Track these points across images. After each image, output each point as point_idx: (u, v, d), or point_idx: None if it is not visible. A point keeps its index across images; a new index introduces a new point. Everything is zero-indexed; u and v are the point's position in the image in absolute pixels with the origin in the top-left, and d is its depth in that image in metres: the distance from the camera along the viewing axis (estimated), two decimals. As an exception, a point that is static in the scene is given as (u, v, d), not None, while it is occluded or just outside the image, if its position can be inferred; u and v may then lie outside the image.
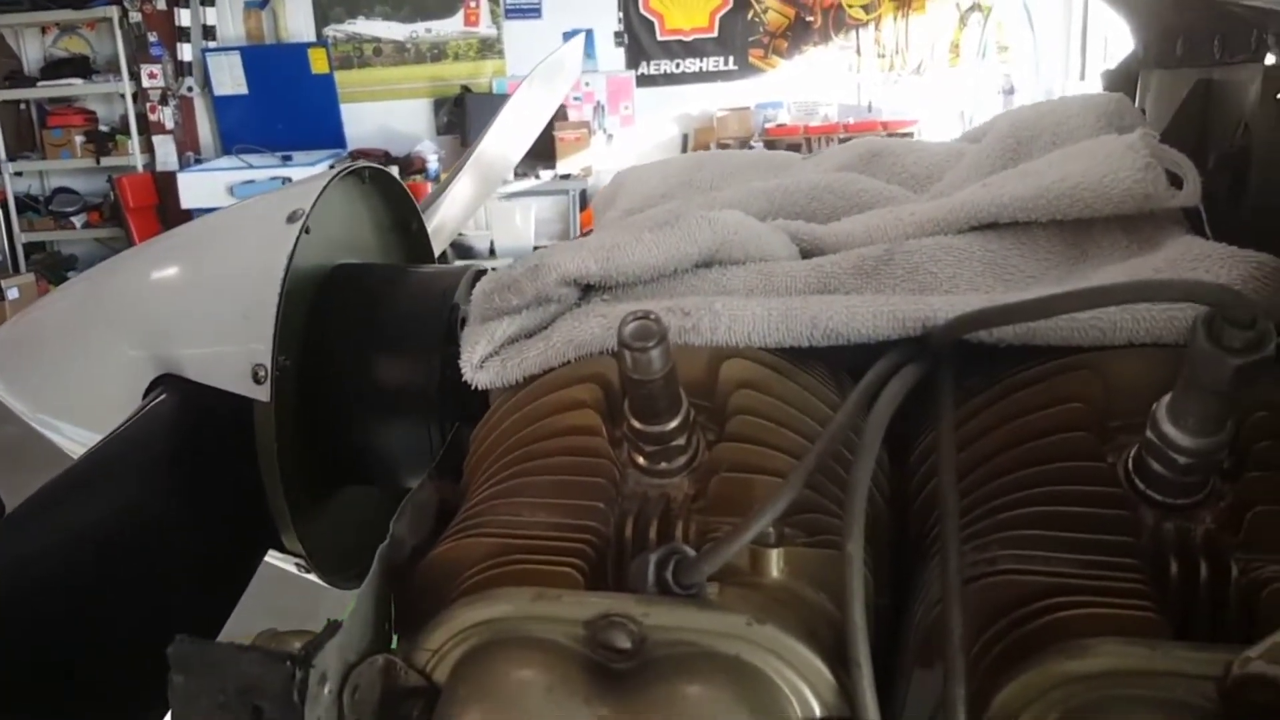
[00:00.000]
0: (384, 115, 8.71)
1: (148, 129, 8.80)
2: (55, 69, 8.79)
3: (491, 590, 0.65)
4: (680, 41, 8.54)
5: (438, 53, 8.66)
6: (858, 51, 8.45)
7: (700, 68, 8.57)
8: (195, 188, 8.00)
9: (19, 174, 8.91)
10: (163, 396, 0.97)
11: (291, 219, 0.99)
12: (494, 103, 7.72)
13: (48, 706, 0.79)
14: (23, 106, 8.96)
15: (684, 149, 8.58)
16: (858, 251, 0.93)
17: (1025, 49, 8.19)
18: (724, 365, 0.79)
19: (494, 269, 0.98)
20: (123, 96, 8.71)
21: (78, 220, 8.93)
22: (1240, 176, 0.98)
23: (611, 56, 8.55)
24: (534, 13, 8.53)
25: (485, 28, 8.61)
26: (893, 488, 0.79)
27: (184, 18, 8.53)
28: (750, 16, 8.46)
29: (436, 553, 0.73)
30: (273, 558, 1.06)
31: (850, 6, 8.38)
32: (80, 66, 8.79)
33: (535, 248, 7.76)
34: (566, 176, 8.22)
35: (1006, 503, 0.69)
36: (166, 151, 8.79)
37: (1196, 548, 0.63)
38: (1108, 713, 0.54)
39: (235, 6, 8.69)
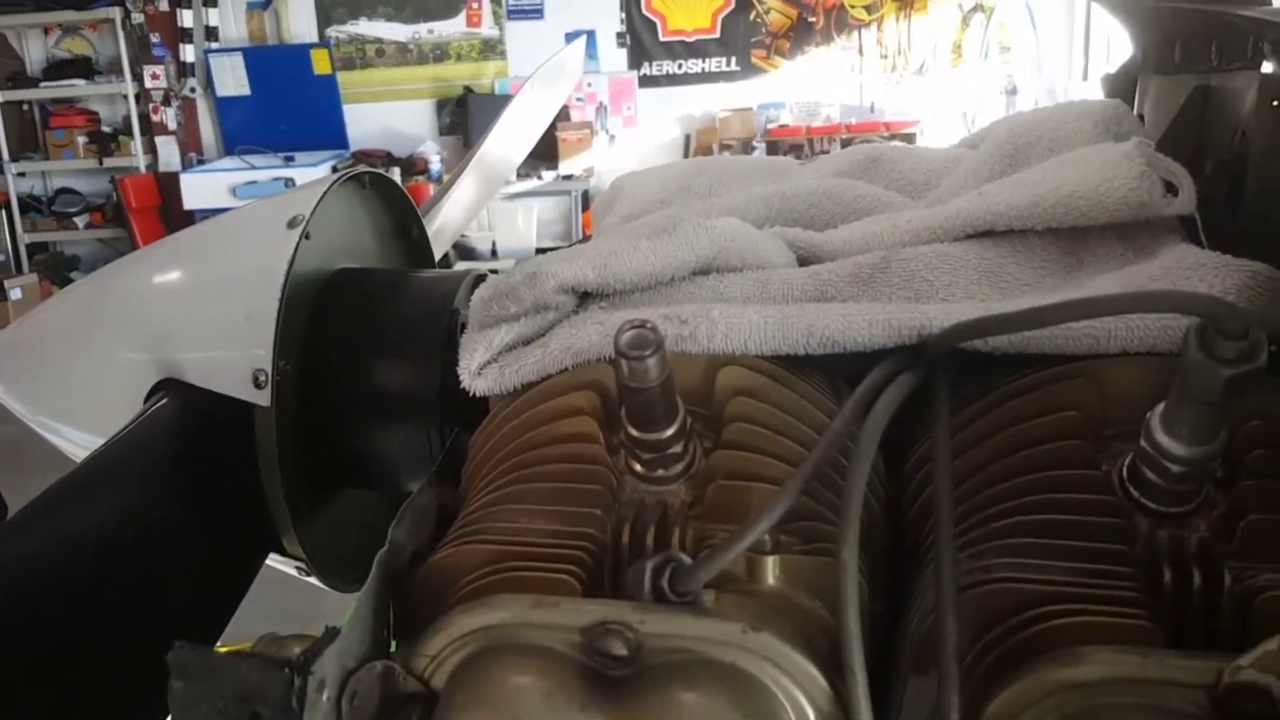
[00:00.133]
0: (386, 116, 8.71)
1: (150, 130, 8.81)
2: (58, 70, 8.80)
3: (489, 597, 0.65)
4: (682, 42, 8.54)
5: (440, 53, 8.67)
6: (860, 52, 8.45)
7: (702, 68, 8.57)
8: (198, 188, 8.02)
9: (22, 174, 8.92)
10: (164, 401, 0.98)
11: (292, 224, 0.99)
12: (496, 103, 7.71)
13: (51, 709, 0.80)
14: (25, 107, 8.97)
15: (686, 149, 8.59)
16: (854, 259, 0.93)
17: (1028, 49, 8.18)
18: (721, 373, 0.79)
19: (492, 271, 0.99)
20: (125, 97, 8.71)
21: (80, 221, 8.94)
22: (1237, 183, 0.98)
23: (614, 57, 8.55)
24: (536, 13, 8.53)
25: (487, 28, 8.61)
26: (888, 495, 0.79)
27: (186, 18, 8.53)
28: (752, 17, 8.46)
29: (435, 559, 0.73)
30: (274, 561, 1.06)
31: (853, 7, 8.38)
32: (83, 67, 8.80)
33: (537, 248, 7.78)
34: (569, 177, 8.22)
35: (1001, 510, 0.69)
36: (169, 152, 8.80)
37: (1190, 556, 0.63)
38: None
39: (238, 7, 8.70)
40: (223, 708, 0.59)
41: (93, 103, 8.97)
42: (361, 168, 1.14)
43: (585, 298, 0.91)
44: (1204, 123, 1.10)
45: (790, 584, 0.66)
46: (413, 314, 1.04)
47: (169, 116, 8.79)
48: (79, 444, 1.15)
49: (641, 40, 8.54)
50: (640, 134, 8.58)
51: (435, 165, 8.28)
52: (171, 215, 8.46)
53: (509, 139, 1.81)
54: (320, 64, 8.56)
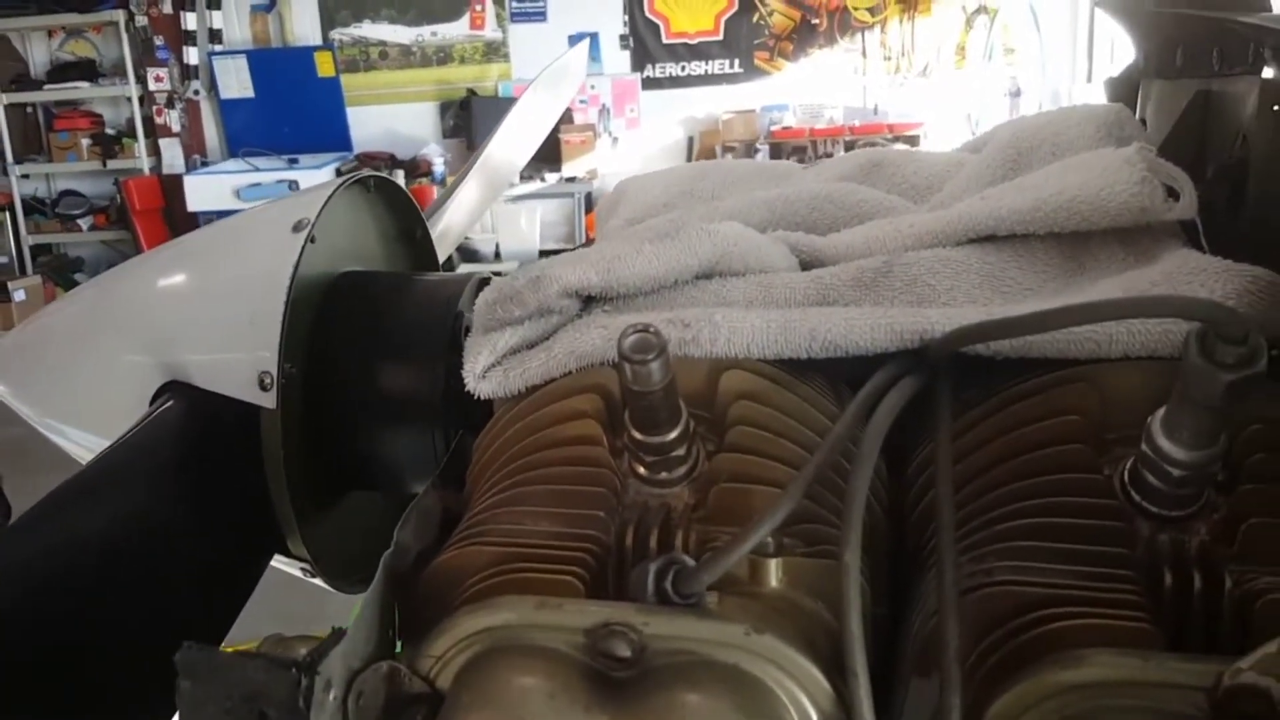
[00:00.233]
0: (390, 118, 8.72)
1: (154, 132, 8.83)
2: (62, 72, 8.82)
3: (494, 598, 0.65)
4: (685, 44, 8.54)
5: (443, 56, 8.67)
6: (863, 54, 8.44)
7: (705, 70, 8.57)
8: (201, 191, 8.03)
9: (26, 176, 8.93)
10: (170, 403, 0.98)
11: (297, 228, 1.00)
12: (499, 106, 7.74)
13: (54, 711, 0.80)
14: (29, 109, 8.99)
15: (689, 151, 8.59)
16: (856, 263, 0.94)
17: (1031, 51, 8.17)
18: (723, 376, 0.79)
19: (495, 273, 0.99)
20: (129, 100, 8.73)
21: (84, 223, 8.95)
22: (1238, 188, 0.99)
23: (617, 59, 8.56)
24: (539, 16, 8.54)
25: (491, 31, 8.62)
26: (890, 499, 0.80)
27: (190, 21, 8.54)
28: (755, 19, 8.46)
29: (440, 560, 0.74)
30: (278, 562, 1.07)
31: (856, 9, 8.38)
32: (86, 70, 8.81)
33: (540, 250, 7.78)
34: (572, 179, 8.23)
35: (1003, 514, 0.69)
36: (173, 154, 8.81)
37: (1191, 559, 0.64)
38: None
39: (241, 10, 8.71)
40: (230, 708, 0.60)
41: (96, 105, 8.98)
42: (366, 171, 1.15)
43: (589, 301, 0.91)
44: (1205, 127, 1.10)
45: (793, 586, 0.66)
46: (417, 317, 1.05)
47: (173, 119, 8.80)
48: (84, 445, 1.16)
49: (645, 42, 8.54)
50: (643, 136, 8.59)
51: (438, 167, 8.29)
52: (175, 217, 8.47)
53: (513, 142, 1.82)
54: (324, 66, 8.57)
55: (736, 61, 8.54)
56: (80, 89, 8.75)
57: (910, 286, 0.91)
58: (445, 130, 8.71)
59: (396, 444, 1.03)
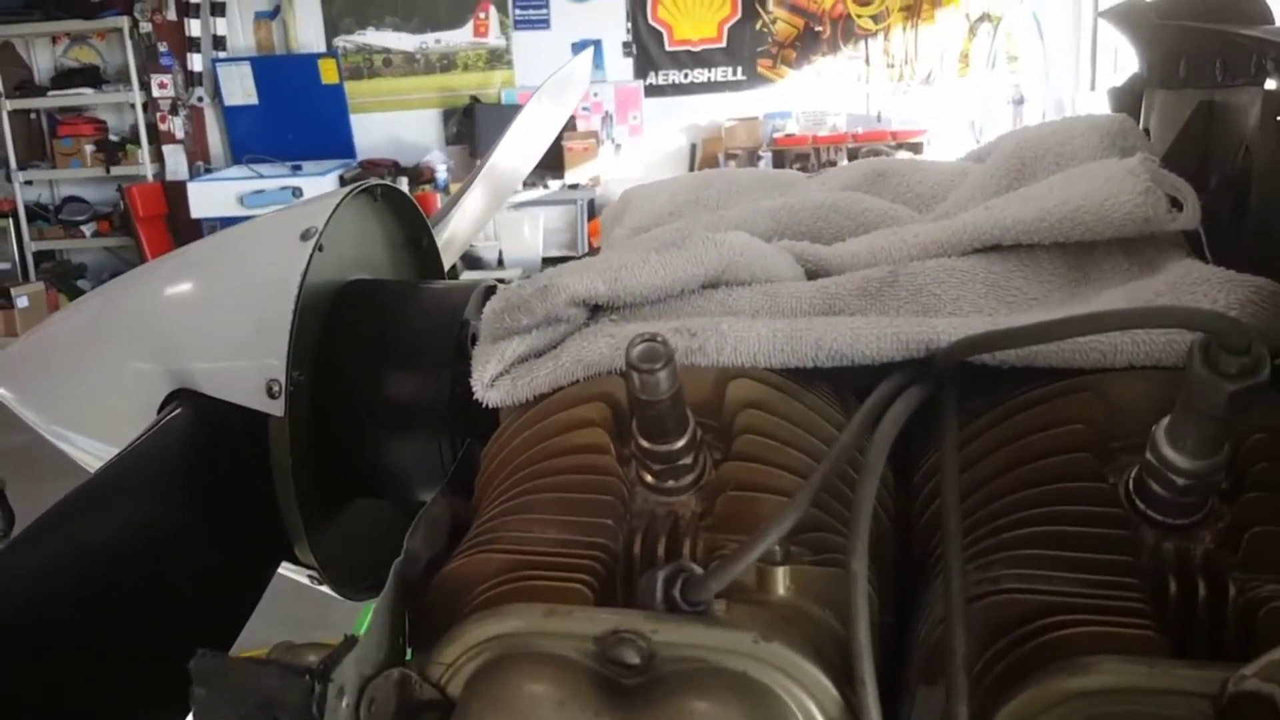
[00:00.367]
0: (393, 125, 8.74)
1: (158, 138, 8.85)
2: (66, 78, 8.85)
3: (504, 606, 0.66)
4: (689, 52, 8.55)
5: (447, 63, 8.69)
6: (867, 61, 8.45)
7: (708, 78, 8.58)
8: (205, 197, 8.04)
9: (29, 183, 8.96)
10: (178, 411, 0.98)
11: (305, 236, 1.00)
12: (503, 113, 7.76)
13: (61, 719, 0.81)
14: (33, 116, 9.01)
15: (692, 159, 8.60)
16: (862, 273, 0.94)
17: (1035, 59, 8.17)
18: (730, 385, 0.80)
19: (500, 280, 0.99)
20: (133, 106, 8.75)
21: (87, 229, 8.97)
22: (1241, 198, 0.99)
23: (620, 67, 8.57)
24: (543, 24, 8.55)
25: (494, 38, 8.63)
26: (897, 508, 0.80)
27: (194, 28, 8.57)
28: (759, 27, 8.47)
29: (449, 568, 0.74)
30: (285, 569, 1.07)
31: (859, 16, 8.39)
32: (90, 76, 8.84)
33: (544, 257, 7.79)
34: (575, 186, 8.24)
35: (1009, 523, 0.70)
36: (176, 161, 8.83)
37: (1195, 567, 0.64)
38: None
39: (245, 17, 8.73)
40: (244, 714, 0.60)
41: (100, 111, 9.01)
42: (373, 180, 1.15)
43: (596, 310, 0.92)
44: (1208, 138, 1.10)
45: (800, 594, 0.67)
46: (424, 325, 1.05)
47: (176, 125, 8.82)
48: (90, 452, 1.16)
49: (648, 50, 8.55)
50: (646, 143, 8.59)
51: (442, 174, 8.30)
52: (179, 224, 8.48)
53: (517, 150, 1.82)
54: (328, 73, 8.59)
55: (739, 69, 8.55)
56: (84, 95, 8.77)
57: (916, 296, 0.91)
58: (448, 137, 8.73)
59: (403, 452, 1.04)
